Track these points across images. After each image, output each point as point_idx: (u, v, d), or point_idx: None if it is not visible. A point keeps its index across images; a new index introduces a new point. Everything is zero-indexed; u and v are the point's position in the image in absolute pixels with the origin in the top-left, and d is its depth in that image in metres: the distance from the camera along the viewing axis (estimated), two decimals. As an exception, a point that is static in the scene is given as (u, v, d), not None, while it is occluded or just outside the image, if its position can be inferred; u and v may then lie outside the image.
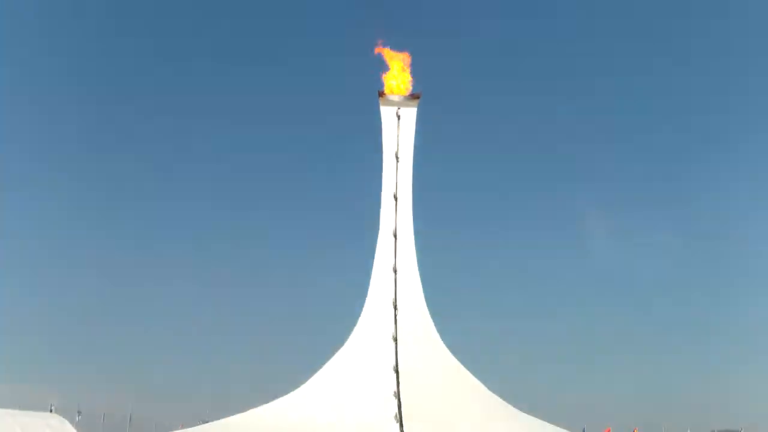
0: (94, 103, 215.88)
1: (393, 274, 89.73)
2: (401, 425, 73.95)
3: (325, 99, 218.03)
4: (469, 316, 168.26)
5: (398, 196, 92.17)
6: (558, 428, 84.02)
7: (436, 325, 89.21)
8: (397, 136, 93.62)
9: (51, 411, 65.02)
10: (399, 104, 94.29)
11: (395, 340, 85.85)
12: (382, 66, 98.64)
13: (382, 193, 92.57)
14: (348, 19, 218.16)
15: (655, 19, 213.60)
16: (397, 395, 79.11)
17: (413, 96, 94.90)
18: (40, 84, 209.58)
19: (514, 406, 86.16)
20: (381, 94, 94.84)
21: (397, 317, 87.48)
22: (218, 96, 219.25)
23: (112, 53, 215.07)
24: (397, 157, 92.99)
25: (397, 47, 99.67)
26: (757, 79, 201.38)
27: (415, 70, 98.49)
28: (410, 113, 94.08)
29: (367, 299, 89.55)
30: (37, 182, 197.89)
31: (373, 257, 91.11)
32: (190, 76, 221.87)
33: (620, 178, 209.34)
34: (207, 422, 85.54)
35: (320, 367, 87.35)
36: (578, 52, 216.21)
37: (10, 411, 59.04)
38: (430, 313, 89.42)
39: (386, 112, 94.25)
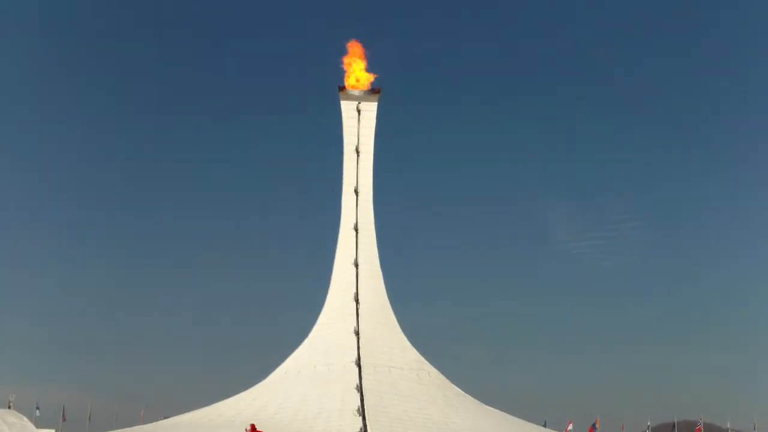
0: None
1: (354, 268, 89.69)
2: (364, 418, 73.63)
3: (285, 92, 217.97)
4: (431, 309, 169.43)
5: (359, 190, 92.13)
6: (520, 420, 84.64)
7: (397, 318, 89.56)
8: (358, 130, 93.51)
9: (9, 407, 63.83)
10: (359, 99, 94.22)
11: (357, 333, 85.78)
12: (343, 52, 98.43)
13: (343, 187, 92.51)
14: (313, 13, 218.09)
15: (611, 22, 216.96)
16: (360, 389, 78.84)
17: (373, 90, 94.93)
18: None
19: (476, 399, 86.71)
20: (341, 88, 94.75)
21: (359, 311, 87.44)
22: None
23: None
24: (357, 152, 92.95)
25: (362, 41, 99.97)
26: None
27: (376, 64, 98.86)
28: (371, 108, 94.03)
29: (329, 293, 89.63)
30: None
31: (334, 251, 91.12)
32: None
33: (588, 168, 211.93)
34: (168, 417, 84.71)
35: (282, 361, 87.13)
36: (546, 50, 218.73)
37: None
38: (392, 307, 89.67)
39: (347, 107, 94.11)
